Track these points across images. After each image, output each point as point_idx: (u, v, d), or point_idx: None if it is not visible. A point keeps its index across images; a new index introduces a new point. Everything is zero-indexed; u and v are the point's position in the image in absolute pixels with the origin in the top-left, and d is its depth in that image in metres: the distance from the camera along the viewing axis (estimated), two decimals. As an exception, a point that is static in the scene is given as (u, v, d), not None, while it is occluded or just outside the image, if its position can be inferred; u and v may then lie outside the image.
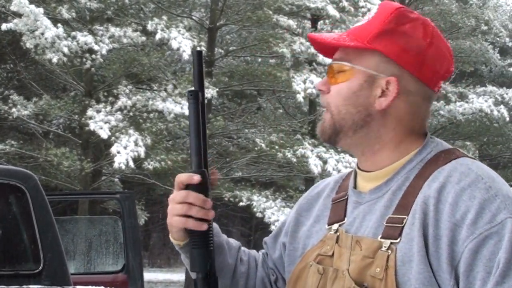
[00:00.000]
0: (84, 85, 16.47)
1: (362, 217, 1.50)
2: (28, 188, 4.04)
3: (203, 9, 19.56)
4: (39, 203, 4.05)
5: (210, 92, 15.17)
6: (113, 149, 14.05)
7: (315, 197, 1.69)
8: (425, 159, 1.48)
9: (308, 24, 19.17)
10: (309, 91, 15.34)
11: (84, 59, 15.32)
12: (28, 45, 14.31)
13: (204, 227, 1.50)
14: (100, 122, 14.48)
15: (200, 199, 1.49)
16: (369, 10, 16.06)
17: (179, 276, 24.04)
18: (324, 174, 14.90)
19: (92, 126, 14.38)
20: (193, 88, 1.53)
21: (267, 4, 16.55)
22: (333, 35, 1.53)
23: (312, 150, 15.46)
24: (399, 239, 1.40)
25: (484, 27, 21.56)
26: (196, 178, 1.49)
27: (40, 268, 3.99)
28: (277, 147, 15.99)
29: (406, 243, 1.39)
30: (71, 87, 17.51)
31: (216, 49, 17.67)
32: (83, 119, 15.24)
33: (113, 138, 14.32)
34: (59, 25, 14.70)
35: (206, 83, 15.51)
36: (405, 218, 1.42)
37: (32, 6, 14.06)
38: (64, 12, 15.27)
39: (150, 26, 15.19)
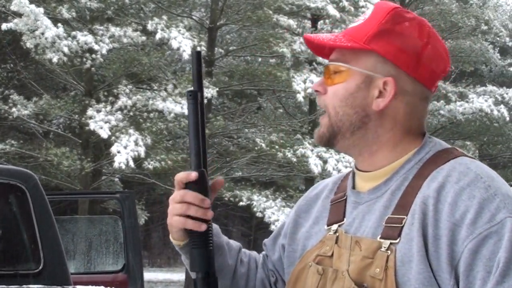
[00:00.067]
0: (84, 84, 16.47)
1: (361, 218, 1.50)
2: (28, 188, 4.04)
3: (203, 8, 19.57)
4: (39, 203, 4.05)
5: (210, 91, 15.17)
6: (113, 149, 14.05)
7: (314, 198, 1.68)
8: (424, 159, 1.48)
9: (308, 24, 19.17)
10: (309, 90, 15.34)
11: (84, 59, 15.33)
12: (28, 45, 14.31)
13: (203, 227, 1.50)
14: (100, 121, 14.48)
15: (198, 198, 1.49)
16: (369, 10, 15.98)
17: (179, 276, 24.05)
18: (324, 174, 14.90)
19: (92, 125, 14.38)
20: (192, 88, 1.54)
21: (267, 4, 16.55)
22: (329, 36, 1.53)
23: (312, 150, 15.46)
24: (398, 240, 1.40)
25: (484, 27, 21.56)
26: (194, 175, 1.49)
27: (40, 268, 3.99)
28: (277, 146, 16.00)
29: (406, 243, 1.39)
30: (71, 87, 17.51)
31: (216, 48, 17.67)
32: (83, 118, 15.24)
33: (113, 137, 14.32)
34: (59, 24, 14.70)
35: (206, 83, 15.54)
36: (404, 218, 1.42)
37: (32, 6, 14.06)
38: (64, 11, 15.27)
39: (150, 26, 15.19)
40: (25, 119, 16.19)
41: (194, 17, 18.03)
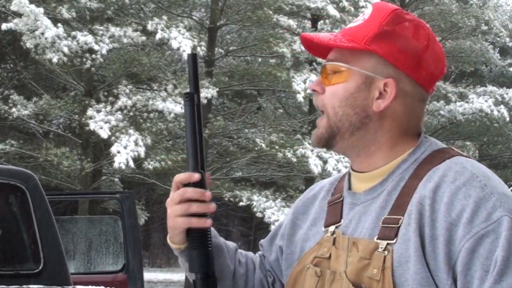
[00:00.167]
0: (84, 85, 16.48)
1: (358, 218, 1.50)
2: (28, 188, 4.04)
3: (203, 9, 19.57)
4: (39, 203, 4.05)
5: (210, 92, 15.17)
6: (113, 149, 14.05)
7: (311, 200, 1.68)
8: (420, 159, 1.48)
9: (308, 24, 19.18)
10: (309, 91, 15.32)
11: (84, 59, 15.33)
12: (28, 45, 14.31)
13: (208, 222, 1.50)
14: (100, 122, 14.48)
15: (199, 192, 1.48)
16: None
17: (179, 276, 24.05)
18: (324, 174, 14.91)
19: (92, 126, 14.38)
20: (188, 91, 1.54)
21: (267, 4, 16.55)
22: (328, 35, 1.52)
23: (312, 150, 15.46)
24: (395, 240, 1.40)
25: (484, 27, 21.56)
26: (197, 176, 1.49)
27: (40, 268, 3.99)
28: (277, 147, 16.00)
29: (403, 243, 1.39)
30: (71, 87, 17.51)
31: (216, 49, 17.67)
32: (83, 119, 15.24)
33: (113, 138, 14.32)
34: (59, 25, 14.70)
35: (206, 83, 15.54)
36: (400, 218, 1.41)
37: (32, 6, 14.06)
38: (64, 12, 15.27)
39: (150, 26, 15.19)
40: (25, 119, 16.19)
41: (194, 17, 18.04)
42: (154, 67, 16.37)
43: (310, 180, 16.91)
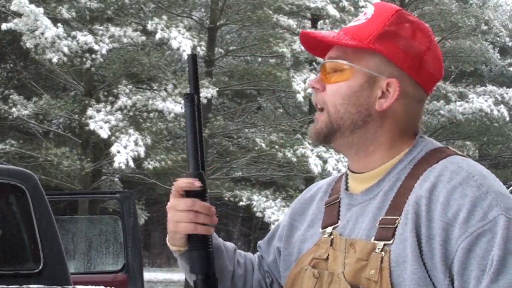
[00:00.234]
0: (84, 84, 16.48)
1: (355, 219, 1.50)
2: (28, 188, 4.04)
3: (203, 8, 19.57)
4: (39, 203, 4.05)
5: (210, 91, 15.17)
6: (113, 149, 14.05)
7: (309, 201, 1.68)
8: (416, 159, 1.48)
9: (308, 24, 19.17)
10: (309, 90, 15.32)
11: (84, 59, 15.33)
12: (28, 45, 14.31)
13: (211, 231, 1.51)
14: (100, 121, 14.48)
15: (206, 207, 1.50)
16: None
17: (179, 276, 24.05)
18: (324, 174, 14.90)
19: (92, 125, 14.38)
20: (189, 92, 1.55)
21: (267, 3, 16.55)
22: (331, 33, 1.53)
23: (312, 150, 15.46)
24: (392, 240, 1.40)
25: (484, 27, 21.56)
26: (197, 184, 1.49)
27: (40, 268, 3.99)
28: (277, 146, 15.99)
29: (400, 244, 1.39)
30: (71, 87, 17.51)
31: (216, 48, 17.67)
32: (83, 118, 15.24)
33: (113, 137, 14.32)
34: (59, 25, 14.70)
35: (206, 83, 15.54)
36: (397, 218, 1.41)
37: (32, 6, 14.06)
38: (64, 12, 15.27)
39: (150, 26, 15.19)
40: (25, 119, 16.19)
41: (194, 17, 18.03)
42: (154, 67, 16.37)
43: (310, 180, 16.91)
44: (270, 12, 16.40)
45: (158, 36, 15.04)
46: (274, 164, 17.54)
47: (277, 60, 17.57)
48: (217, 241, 1.64)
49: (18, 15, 14.18)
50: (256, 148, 16.68)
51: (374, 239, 1.42)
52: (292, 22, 16.67)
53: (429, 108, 19.71)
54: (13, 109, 15.56)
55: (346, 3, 16.94)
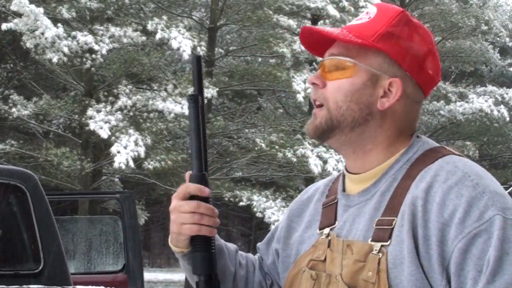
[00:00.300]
0: (84, 85, 16.48)
1: (352, 220, 1.50)
2: (28, 188, 4.04)
3: (203, 9, 19.58)
4: (39, 203, 4.05)
5: (210, 92, 15.16)
6: (113, 149, 14.05)
7: (306, 202, 1.68)
8: (412, 159, 1.48)
9: (308, 24, 19.17)
10: (309, 91, 15.29)
11: (84, 59, 15.33)
12: (28, 45, 14.31)
13: (214, 232, 1.52)
14: (100, 122, 14.48)
15: (211, 209, 1.51)
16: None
17: (179, 276, 24.05)
18: (324, 174, 14.90)
19: (92, 126, 14.38)
20: (193, 92, 1.56)
21: (267, 4, 16.55)
22: (335, 30, 1.52)
23: (312, 150, 15.46)
24: (389, 242, 1.40)
25: (484, 27, 21.56)
26: (207, 191, 1.51)
27: (40, 268, 3.99)
28: (277, 147, 15.99)
29: (397, 245, 1.39)
30: (71, 87, 17.52)
31: (216, 49, 17.68)
32: (83, 119, 15.25)
33: (113, 138, 14.32)
34: (59, 25, 14.70)
35: (206, 83, 15.53)
36: (394, 219, 1.41)
37: (32, 6, 14.06)
38: (64, 12, 15.27)
39: (150, 26, 15.19)
40: (25, 119, 16.20)
41: (194, 17, 18.04)
42: (154, 67, 16.37)
43: (310, 180, 16.90)
44: (270, 12, 16.40)
45: (158, 36, 15.04)
46: (274, 164, 17.54)
47: (277, 60, 17.58)
48: (219, 243, 1.64)
49: (18, 15, 14.18)
50: (256, 148, 16.68)
51: (371, 241, 1.42)
52: (292, 22, 16.66)
53: (429, 108, 19.72)
54: (13, 109, 15.56)
55: (346, 3, 16.94)
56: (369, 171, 1.51)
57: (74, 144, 16.97)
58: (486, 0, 22.89)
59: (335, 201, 1.57)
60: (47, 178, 15.57)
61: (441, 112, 20.07)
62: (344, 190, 1.56)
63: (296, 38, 16.53)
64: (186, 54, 14.63)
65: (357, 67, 1.49)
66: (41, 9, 14.28)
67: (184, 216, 1.50)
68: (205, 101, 15.88)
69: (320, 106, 1.52)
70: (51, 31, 14.18)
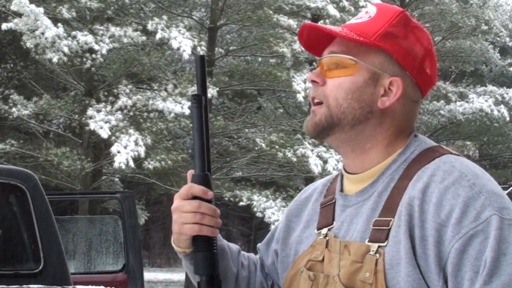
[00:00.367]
0: (84, 84, 16.48)
1: (349, 221, 1.50)
2: (28, 188, 4.04)
3: (203, 8, 19.57)
4: (39, 203, 4.05)
5: (210, 91, 15.14)
6: (113, 149, 14.05)
7: (304, 202, 1.68)
8: (409, 159, 1.48)
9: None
10: (309, 90, 15.32)
11: (84, 59, 15.33)
12: (28, 44, 14.31)
13: (216, 232, 1.52)
14: (100, 121, 14.48)
15: (212, 209, 1.51)
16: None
17: (179, 276, 24.05)
18: (324, 173, 14.89)
19: (92, 125, 14.38)
20: (196, 93, 1.56)
21: (267, 3, 16.55)
22: (337, 28, 1.52)
23: (312, 150, 15.45)
24: (386, 242, 1.39)
25: (484, 27, 21.55)
26: (210, 194, 1.51)
27: (40, 268, 3.99)
28: (277, 146, 15.99)
29: (393, 246, 1.38)
30: (71, 87, 17.51)
31: (216, 48, 17.67)
32: (83, 118, 15.24)
33: (113, 137, 14.32)
34: (59, 24, 14.69)
35: (207, 83, 15.54)
36: (391, 220, 1.41)
37: (32, 6, 14.06)
38: (65, 11, 15.27)
39: (150, 26, 15.19)
40: (25, 119, 16.19)
41: (194, 17, 18.03)
42: (154, 67, 16.37)
43: (310, 180, 16.89)
44: (270, 12, 16.40)
45: (158, 36, 15.03)
46: (274, 164, 17.53)
47: (277, 60, 17.57)
48: (221, 243, 1.64)
49: (18, 15, 14.18)
50: (256, 148, 16.68)
51: (368, 241, 1.42)
52: (292, 22, 16.65)
53: (429, 108, 19.70)
54: (13, 109, 15.55)
55: (346, 3, 16.94)
56: (367, 171, 1.51)
57: (74, 144, 16.97)
58: (486, 0, 22.88)
59: (333, 201, 1.57)
60: (47, 178, 15.57)
61: (441, 112, 20.05)
62: (342, 190, 1.56)
63: (296, 38, 16.50)
64: (186, 54, 14.62)
65: (358, 66, 1.49)
66: (41, 9, 14.28)
67: (185, 216, 1.50)
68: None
69: (319, 103, 1.52)
70: (51, 31, 14.18)
